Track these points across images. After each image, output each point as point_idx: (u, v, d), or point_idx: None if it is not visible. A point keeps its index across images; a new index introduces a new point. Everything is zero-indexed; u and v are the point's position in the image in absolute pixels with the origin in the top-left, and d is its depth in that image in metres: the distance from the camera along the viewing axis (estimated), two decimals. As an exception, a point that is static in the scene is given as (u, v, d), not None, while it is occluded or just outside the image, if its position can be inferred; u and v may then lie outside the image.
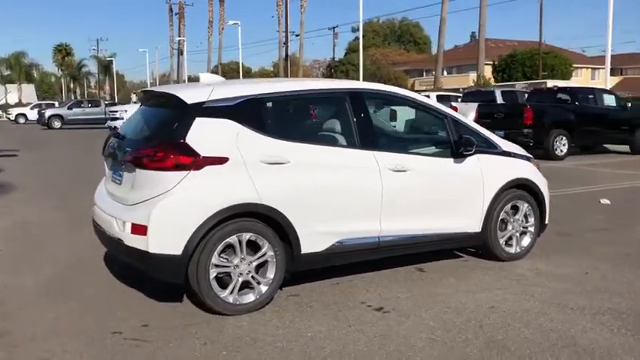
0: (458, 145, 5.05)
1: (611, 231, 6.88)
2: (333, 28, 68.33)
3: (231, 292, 4.14)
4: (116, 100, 57.45)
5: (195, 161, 3.98)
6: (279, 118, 4.69)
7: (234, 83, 4.76)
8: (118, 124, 23.22)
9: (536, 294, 4.63)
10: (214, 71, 60.77)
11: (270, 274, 4.27)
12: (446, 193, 5.08)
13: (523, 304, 4.40)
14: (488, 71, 47.08)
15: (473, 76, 56.65)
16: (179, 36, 61.35)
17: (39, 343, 3.73)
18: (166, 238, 3.93)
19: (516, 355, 3.53)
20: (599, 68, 69.23)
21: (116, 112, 24.22)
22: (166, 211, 3.93)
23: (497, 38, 67.14)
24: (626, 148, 16.62)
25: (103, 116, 33.28)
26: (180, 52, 60.63)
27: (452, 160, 5.10)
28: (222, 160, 4.07)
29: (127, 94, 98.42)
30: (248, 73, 75.43)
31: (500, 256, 5.47)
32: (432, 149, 5.13)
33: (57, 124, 35.27)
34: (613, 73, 68.18)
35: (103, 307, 4.36)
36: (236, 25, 48.11)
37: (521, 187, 5.53)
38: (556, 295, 4.61)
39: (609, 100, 16.34)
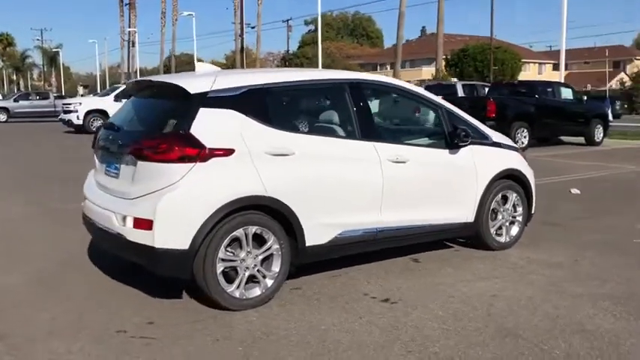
0: (453, 136, 5.08)
1: (589, 219, 7.08)
2: (287, 20, 67.99)
3: (238, 287, 4.05)
4: (63, 93, 55.50)
5: (201, 153, 3.86)
6: (283, 108, 4.60)
7: (236, 73, 4.64)
8: (72, 117, 22.48)
9: (534, 281, 4.72)
10: (166, 63, 59.63)
11: (276, 267, 4.20)
12: (442, 184, 5.11)
13: (524, 292, 4.47)
14: (440, 65, 47.81)
15: (426, 70, 57.57)
16: (130, 27, 59.69)
17: (41, 344, 3.55)
18: (173, 233, 3.80)
19: (530, 342, 3.58)
20: (546, 63, 71.67)
21: (70, 104, 23.29)
22: (173, 205, 3.80)
23: (449, 33, 68.22)
24: (580, 139, 17.18)
25: (53, 109, 32.14)
26: (132, 44, 59.07)
27: (447, 151, 5.13)
28: (228, 152, 3.96)
29: (74, 86, 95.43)
30: (198, 66, 74.14)
31: (492, 245, 5.55)
32: (428, 140, 5.15)
33: (2, 117, 33.81)
34: (558, 67, 70.84)
35: (100, 306, 4.19)
36: (190, 17, 47.08)
37: (511, 177, 5.62)
38: (553, 282, 4.70)
39: (566, 94, 16.86)
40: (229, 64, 78.18)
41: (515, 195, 5.67)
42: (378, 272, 4.95)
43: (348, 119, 4.62)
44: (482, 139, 5.40)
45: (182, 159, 3.83)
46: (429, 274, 4.94)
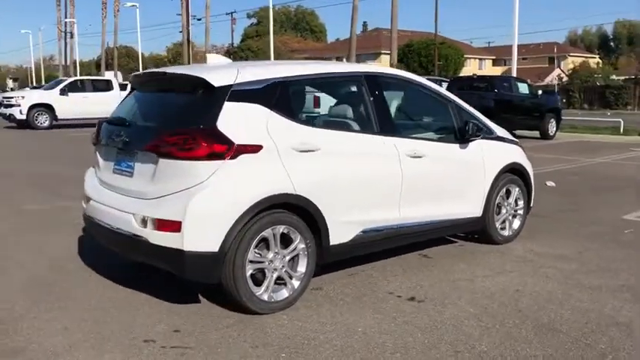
0: (464, 131, 5.04)
1: (574, 212, 7.24)
2: (231, 13, 67.25)
3: (266, 290, 3.87)
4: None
5: (229, 149, 3.65)
6: (305, 102, 4.43)
7: (257, 65, 4.42)
8: (14, 111, 21.34)
9: (549, 275, 4.74)
10: (109, 55, 57.55)
11: (302, 267, 4.04)
12: (454, 179, 5.08)
13: (544, 286, 4.48)
14: (386, 61, 48.27)
15: (372, 65, 57.93)
16: (67, 17, 57.28)
17: (66, 357, 3.27)
18: (203, 235, 3.58)
19: (571, 337, 3.57)
20: (486, 58, 73.69)
21: (11, 98, 22.08)
22: (203, 205, 3.57)
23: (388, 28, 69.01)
24: (533, 133, 17.68)
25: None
26: (70, 35, 56.71)
27: (458, 145, 5.09)
28: (256, 148, 3.76)
29: (3, 78, 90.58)
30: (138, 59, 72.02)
31: (497, 239, 5.56)
32: (440, 135, 5.09)
33: None
34: (498, 63, 72.87)
35: (111, 314, 3.91)
36: (134, 7, 45.58)
37: (513, 171, 5.65)
38: (567, 275, 4.74)
39: (523, 88, 17.31)
40: (170, 57, 76.51)
41: (517, 189, 5.71)
42: (393, 269, 4.87)
43: (367, 113, 4.49)
44: (488, 133, 5.39)
45: (210, 156, 3.60)
46: (444, 270, 4.89)
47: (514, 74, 20.45)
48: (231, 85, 3.80)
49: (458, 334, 3.61)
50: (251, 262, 3.77)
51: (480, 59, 72.47)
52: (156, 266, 3.94)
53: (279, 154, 3.84)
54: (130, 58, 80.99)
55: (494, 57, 72.81)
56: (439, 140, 5.02)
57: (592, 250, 5.49)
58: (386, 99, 4.61)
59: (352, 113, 4.52)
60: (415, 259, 5.17)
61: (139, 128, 4.04)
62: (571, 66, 55.11)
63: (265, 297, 3.86)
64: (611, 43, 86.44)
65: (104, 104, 22.69)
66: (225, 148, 3.63)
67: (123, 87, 24.40)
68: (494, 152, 5.42)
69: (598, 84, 44.21)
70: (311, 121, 4.17)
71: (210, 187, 3.60)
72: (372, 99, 4.48)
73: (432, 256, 5.29)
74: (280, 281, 3.97)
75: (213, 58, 4.40)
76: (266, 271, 3.87)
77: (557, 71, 59.20)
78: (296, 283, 4.01)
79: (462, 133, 5.07)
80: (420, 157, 4.67)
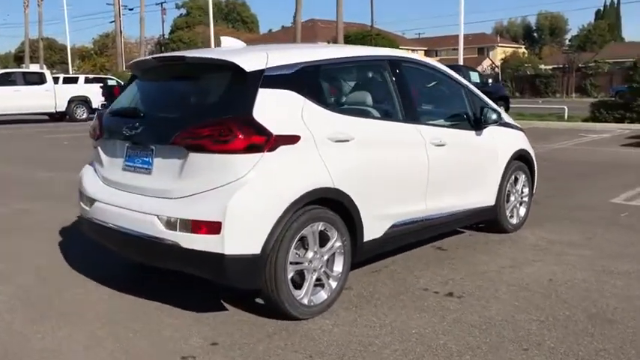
0: (480, 117, 4.87)
1: (563, 197, 7.26)
2: (162, 3, 65.05)
3: (306, 293, 3.55)
4: None
5: (268, 141, 3.29)
6: (336, 88, 4.11)
7: (283, 48, 4.04)
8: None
9: (573, 262, 4.65)
10: (34, 48, 54.49)
11: (339, 267, 3.74)
12: (473, 168, 4.91)
13: (574, 274, 4.38)
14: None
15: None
16: (-17, 7, 53.63)
17: (102, 384, 2.85)
18: (244, 236, 3.21)
19: (630, 327, 3.45)
20: (418, 49, 74.89)
21: None
22: (244, 202, 3.20)
23: (325, 19, 69.01)
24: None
25: None
26: (-13, 26, 53.19)
27: (474, 132, 4.92)
28: (294, 139, 3.42)
29: None
30: (62, 51, 68.57)
31: (507, 228, 5.45)
32: (457, 122, 4.88)
33: None
34: (429, 54, 74.27)
35: (134, 327, 3.48)
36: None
37: (520, 158, 5.54)
38: (590, 262, 4.66)
39: (474, 77, 17.56)
40: (97, 48, 73.28)
41: (524, 176, 5.62)
42: (415, 264, 4.64)
43: (393, 100, 4.22)
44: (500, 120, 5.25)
45: (249, 148, 3.24)
46: (466, 262, 4.71)
47: (460, 62, 20.70)
48: (263, 70, 3.44)
49: (516, 330, 3.42)
50: (291, 263, 3.44)
51: (413, 50, 73.58)
52: (183, 272, 3.54)
53: (316, 145, 3.52)
54: (52, 51, 77.01)
55: (426, 48, 74.12)
56: (457, 127, 4.82)
57: (599, 235, 5.47)
58: (409, 84, 4.36)
59: (381, 100, 4.24)
60: (432, 252, 4.96)
61: (157, 120, 3.60)
62: (501, 56, 56.86)
63: (305, 300, 3.54)
64: (535, 34, 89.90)
65: (37, 98, 21.51)
66: (263, 140, 3.28)
67: (55, 80, 23.14)
68: (505, 139, 5.30)
69: (528, 73, 45.79)
70: (342, 108, 3.86)
71: (251, 183, 3.23)
72: (396, 84, 4.22)
73: (447, 248, 5.10)
74: (319, 283, 3.66)
75: (228, 41, 3.99)
76: (305, 272, 3.55)
77: (487, 61, 60.97)
78: (333, 284, 3.71)
79: (477, 120, 4.90)
80: (443, 145, 4.46)
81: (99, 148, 3.95)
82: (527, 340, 3.30)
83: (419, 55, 4.69)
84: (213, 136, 3.22)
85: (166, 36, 71.29)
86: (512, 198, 5.49)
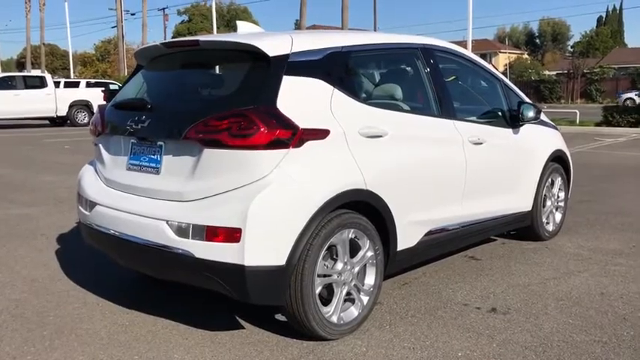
0: (518, 114, 4.44)
1: (595, 202, 6.82)
2: (163, 9, 64.82)
3: (335, 309, 3.11)
4: None
5: (294, 135, 2.86)
6: (366, 78, 3.68)
7: (307, 33, 3.62)
8: None
9: (623, 274, 4.21)
10: (35, 54, 54.22)
11: (370, 279, 3.30)
12: (510, 169, 4.48)
13: (627, 287, 3.94)
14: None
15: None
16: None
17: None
18: (268, 245, 2.77)
19: None
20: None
21: None
22: (268, 206, 2.76)
23: (329, 25, 68.88)
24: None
25: None
26: (-12, 31, 52.95)
27: (511, 130, 4.49)
28: (322, 134, 2.99)
29: None
30: (64, 57, 68.27)
31: (543, 235, 5.01)
32: (494, 119, 4.44)
33: None
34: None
35: (140, 349, 3.04)
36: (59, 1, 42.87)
37: (557, 159, 5.10)
38: (639, 273, 4.23)
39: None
40: (99, 55, 72.96)
41: (559, 179, 5.18)
42: (447, 275, 4.20)
43: (427, 92, 3.79)
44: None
45: (273, 144, 2.80)
46: (504, 273, 4.26)
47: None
48: (287, 55, 3.01)
49: (579, 353, 2.98)
50: (319, 276, 3.00)
51: (415, 56, 73.29)
52: (193, 285, 3.10)
53: (346, 141, 3.09)
54: (54, 57, 76.74)
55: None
56: (494, 124, 4.37)
57: (641, 242, 5.03)
58: (443, 76, 3.94)
59: (415, 91, 3.80)
60: (464, 262, 4.52)
61: (166, 112, 3.15)
62: (504, 62, 56.48)
63: (335, 318, 3.10)
64: (537, 40, 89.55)
65: (38, 102, 21.13)
66: (289, 134, 2.84)
67: (56, 84, 22.77)
68: (542, 138, 4.87)
69: (533, 79, 45.39)
70: (373, 100, 3.44)
71: (275, 184, 2.79)
72: (431, 75, 3.80)
73: (480, 257, 4.66)
74: (351, 297, 3.22)
75: (245, 26, 3.56)
76: (334, 286, 3.11)
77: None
78: (365, 299, 3.27)
79: (514, 117, 4.47)
80: (480, 143, 4.03)
81: (100, 145, 3.52)
82: (592, 364, 2.86)
83: (452, 44, 4.23)
84: (232, 129, 2.79)
85: (168, 42, 70.86)
86: (548, 202, 5.05)
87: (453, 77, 4.38)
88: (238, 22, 3.59)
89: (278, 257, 2.79)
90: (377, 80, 3.82)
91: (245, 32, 3.55)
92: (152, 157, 3.13)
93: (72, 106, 22.65)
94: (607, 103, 30.98)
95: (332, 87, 3.12)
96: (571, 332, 3.23)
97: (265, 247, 2.76)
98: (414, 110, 3.71)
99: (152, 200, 3.07)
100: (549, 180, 4.99)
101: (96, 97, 23.01)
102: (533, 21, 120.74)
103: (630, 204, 6.68)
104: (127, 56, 48.63)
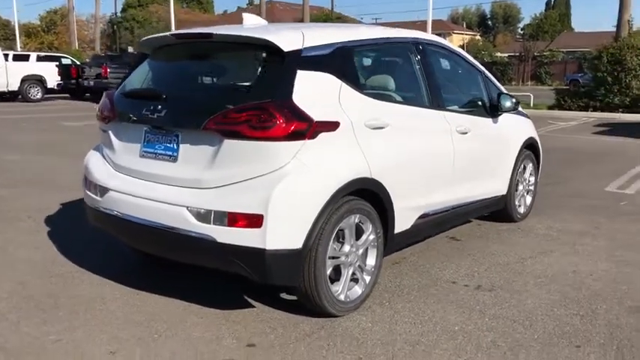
0: (498, 104, 4.75)
1: (557, 184, 7.26)
2: (114, -20, 62.61)
3: (343, 288, 3.35)
4: None
5: (310, 127, 3.06)
6: (369, 71, 3.88)
7: (315, 27, 3.78)
8: None
9: (590, 253, 4.61)
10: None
11: (372, 260, 3.56)
12: (490, 156, 4.80)
13: (595, 265, 4.32)
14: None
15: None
16: None
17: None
18: (287, 229, 2.98)
19: (670, 320, 3.41)
20: (375, 34, 74.91)
21: None
22: (288, 193, 2.96)
23: (286, 2, 68.27)
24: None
25: None
26: None
27: (491, 120, 4.79)
28: (333, 126, 3.19)
29: None
30: (7, 26, 65.35)
31: (515, 217, 5.38)
32: (476, 109, 4.73)
33: None
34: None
35: (157, 327, 3.21)
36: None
37: (529, 146, 5.46)
38: (607, 252, 4.62)
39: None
40: (44, 25, 70.17)
41: (531, 164, 5.55)
42: (434, 255, 4.50)
43: (420, 84, 4.03)
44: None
45: (291, 135, 2.99)
46: (485, 253, 4.60)
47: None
48: (300, 50, 3.19)
49: (561, 325, 3.32)
50: (330, 258, 3.23)
51: (370, 35, 73.56)
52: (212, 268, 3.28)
53: (354, 132, 3.30)
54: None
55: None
56: (476, 114, 4.67)
57: (605, 224, 5.45)
58: (434, 68, 4.19)
59: (410, 84, 4.04)
60: (446, 243, 4.83)
61: (183, 103, 3.28)
62: (458, 43, 57.43)
63: (342, 297, 3.35)
64: (489, 22, 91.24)
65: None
66: (305, 126, 3.04)
67: (5, 57, 22.03)
68: (517, 127, 5.21)
69: (485, 60, 46.35)
70: (375, 92, 3.65)
71: (293, 173, 2.99)
72: (423, 68, 4.04)
73: (460, 238, 4.98)
74: (355, 277, 3.47)
75: (251, 19, 3.70)
76: (342, 267, 3.36)
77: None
78: (367, 279, 3.53)
79: (493, 107, 4.77)
80: (466, 132, 4.32)
81: (110, 132, 3.62)
82: (574, 335, 3.20)
83: (439, 38, 4.48)
84: (252, 121, 2.96)
85: (118, 14, 68.86)
86: (520, 187, 5.42)
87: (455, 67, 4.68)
88: (244, 15, 3.73)
89: (295, 241, 3.00)
90: (377, 73, 4.02)
91: (251, 25, 3.69)
92: (168, 145, 3.27)
93: (24, 81, 21.97)
94: (556, 86, 32.11)
95: (340, 81, 3.32)
96: (552, 307, 3.57)
97: (284, 231, 2.97)
98: (409, 102, 3.96)
99: (169, 187, 3.22)
100: (522, 165, 5.34)
101: (50, 72, 22.40)
102: (485, 3, 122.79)
103: (587, 187, 7.16)
104: (97, 29, 46.97)
